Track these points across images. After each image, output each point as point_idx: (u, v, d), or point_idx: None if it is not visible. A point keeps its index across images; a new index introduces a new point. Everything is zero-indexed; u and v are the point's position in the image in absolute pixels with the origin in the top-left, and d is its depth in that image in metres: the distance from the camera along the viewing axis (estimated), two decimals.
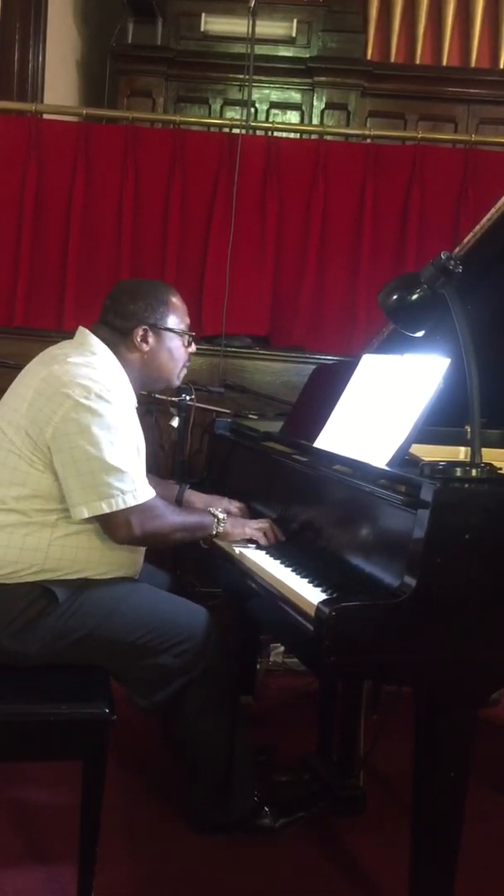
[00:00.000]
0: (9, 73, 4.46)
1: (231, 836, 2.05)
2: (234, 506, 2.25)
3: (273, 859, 2.03)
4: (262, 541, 2.08)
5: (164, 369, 2.10)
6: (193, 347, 2.17)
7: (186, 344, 2.14)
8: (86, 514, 1.85)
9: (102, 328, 2.06)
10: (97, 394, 1.86)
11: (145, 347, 2.05)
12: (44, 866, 1.94)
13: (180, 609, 1.98)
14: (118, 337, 2.04)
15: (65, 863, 1.91)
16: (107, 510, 1.85)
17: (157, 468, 3.32)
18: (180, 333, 2.10)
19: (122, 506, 1.85)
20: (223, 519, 2.08)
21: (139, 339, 2.04)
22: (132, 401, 2.05)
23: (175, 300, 2.11)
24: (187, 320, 2.14)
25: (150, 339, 2.05)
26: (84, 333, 2.05)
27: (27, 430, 1.88)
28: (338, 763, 2.29)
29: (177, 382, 2.17)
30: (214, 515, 2.08)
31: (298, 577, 1.77)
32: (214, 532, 2.07)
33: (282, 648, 3.11)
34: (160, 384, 2.16)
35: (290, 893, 1.93)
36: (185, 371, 2.17)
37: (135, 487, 1.88)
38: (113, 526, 1.89)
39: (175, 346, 2.10)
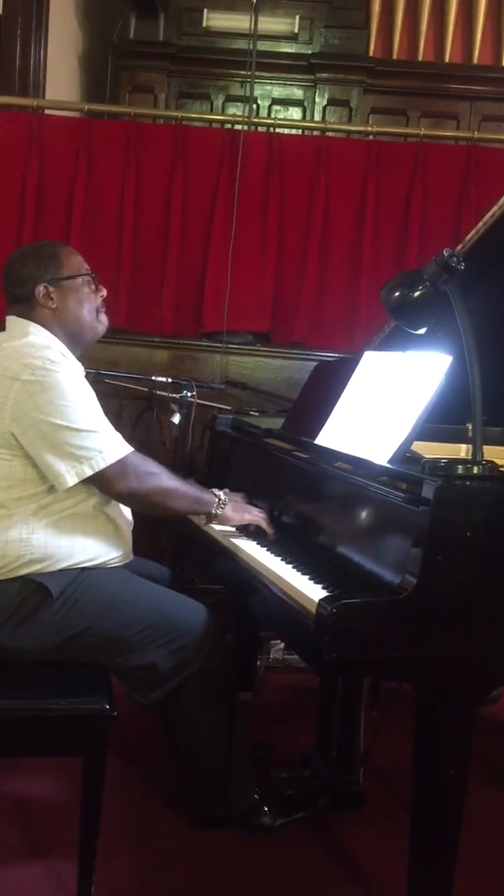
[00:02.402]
0: (10, 68, 4.45)
1: (231, 832, 2.05)
2: (237, 497, 2.25)
3: (272, 855, 2.03)
4: (264, 525, 2.09)
5: (80, 320, 2.06)
6: (103, 291, 2.12)
7: (93, 288, 2.09)
8: (72, 481, 1.85)
9: (13, 305, 2.05)
10: (41, 367, 1.85)
11: (52, 304, 2.02)
12: (44, 862, 1.94)
13: (178, 605, 1.97)
14: (25, 305, 2.02)
15: (64, 858, 1.91)
16: (90, 472, 1.85)
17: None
18: (79, 277, 2.05)
19: (103, 464, 1.86)
20: (224, 500, 2.08)
21: (43, 298, 2.01)
22: (79, 369, 2.04)
23: (64, 252, 2.07)
24: (86, 266, 2.09)
25: (54, 295, 2.02)
26: (12, 321, 2.04)
27: None
28: (337, 760, 2.29)
29: (101, 328, 2.11)
30: (216, 495, 2.08)
31: (299, 573, 1.77)
32: (214, 511, 2.07)
33: (282, 645, 3.12)
34: (87, 335, 2.09)
35: (290, 889, 1.93)
36: (104, 315, 2.12)
37: (110, 444, 1.88)
38: (107, 482, 1.89)
39: (83, 294, 2.06)
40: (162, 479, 1.98)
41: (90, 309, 2.08)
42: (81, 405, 1.88)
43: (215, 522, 2.11)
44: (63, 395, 1.85)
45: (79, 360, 2.08)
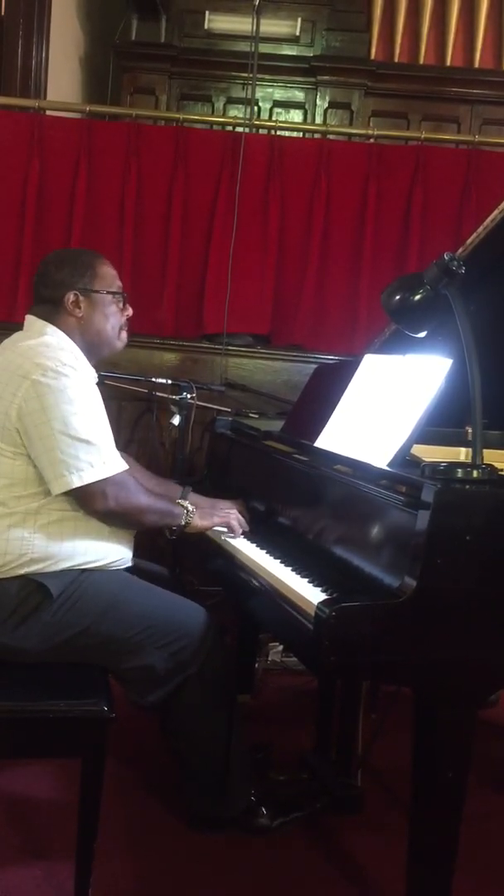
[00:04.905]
0: (12, 69, 4.45)
1: (229, 834, 2.05)
2: (228, 504, 2.26)
3: (271, 857, 2.03)
4: (234, 525, 2.13)
5: (103, 333, 2.07)
6: (130, 310, 2.14)
7: (121, 306, 2.11)
8: (59, 490, 1.85)
9: (38, 305, 2.06)
10: (53, 369, 1.86)
11: (79, 313, 2.03)
12: (41, 863, 1.94)
13: (178, 607, 1.98)
14: (52, 307, 2.03)
15: (62, 859, 1.90)
16: (78, 483, 1.85)
17: (158, 466, 3.32)
18: (112, 294, 2.08)
19: (93, 478, 1.86)
20: (192, 511, 2.09)
21: (71, 305, 2.02)
22: (92, 375, 2.04)
23: (101, 264, 2.09)
24: (118, 283, 2.11)
25: (83, 304, 2.03)
26: (31, 320, 2.05)
27: None
28: (336, 762, 2.29)
29: (119, 345, 2.13)
30: (184, 507, 2.09)
31: (298, 576, 1.77)
32: (183, 522, 2.07)
33: (280, 647, 3.12)
34: (104, 349, 2.11)
35: (288, 890, 1.93)
36: (125, 333, 2.14)
37: (104, 459, 1.88)
38: (88, 498, 1.89)
39: (110, 310, 2.08)
40: (140, 498, 1.98)
41: (114, 325, 2.09)
42: (84, 413, 1.88)
43: (188, 530, 2.10)
44: (69, 400, 1.85)
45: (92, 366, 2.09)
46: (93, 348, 2.07)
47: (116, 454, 1.94)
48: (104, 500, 1.90)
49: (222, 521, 2.14)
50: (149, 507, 2.02)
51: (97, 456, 1.87)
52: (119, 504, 1.92)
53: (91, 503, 1.90)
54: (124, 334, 2.14)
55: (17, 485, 1.89)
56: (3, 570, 1.87)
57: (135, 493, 1.97)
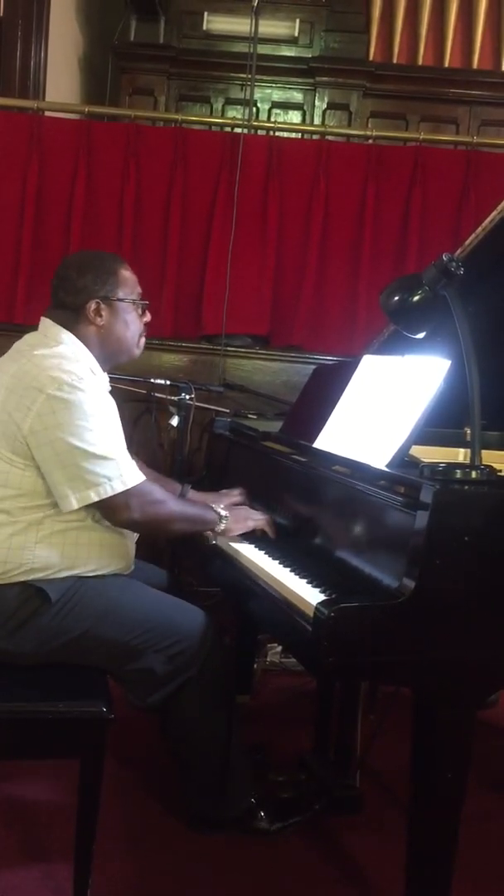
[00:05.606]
0: (11, 69, 4.46)
1: (228, 835, 2.05)
2: (235, 493, 2.27)
3: (270, 858, 2.03)
4: (268, 530, 2.11)
5: (123, 341, 2.06)
6: (148, 316, 2.13)
7: (140, 313, 2.11)
8: (76, 505, 1.84)
9: (56, 309, 2.03)
10: (68, 383, 1.84)
11: (100, 321, 2.02)
12: (40, 864, 1.94)
13: (176, 610, 1.98)
14: (72, 314, 2.01)
15: (61, 861, 1.90)
16: (95, 498, 1.84)
17: (157, 467, 3.32)
18: (133, 303, 2.07)
19: (110, 492, 1.85)
20: (225, 516, 2.08)
21: (92, 314, 2.00)
22: (105, 384, 2.04)
23: (124, 271, 2.07)
24: (139, 289, 2.10)
25: (104, 313, 2.02)
26: (46, 324, 2.03)
27: (3, 431, 1.87)
28: (335, 762, 2.29)
29: (137, 353, 2.12)
30: (217, 512, 2.08)
31: (297, 577, 1.77)
32: (217, 529, 2.07)
33: (279, 648, 3.12)
34: (122, 357, 2.10)
35: (288, 891, 1.93)
36: (143, 340, 2.13)
37: (121, 473, 1.87)
38: (111, 510, 1.89)
39: (130, 317, 2.07)
40: (166, 506, 1.97)
41: (134, 333, 2.08)
42: (100, 428, 1.87)
43: (223, 536, 2.10)
44: (84, 416, 1.84)
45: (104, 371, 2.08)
46: (111, 356, 2.07)
47: (133, 466, 1.93)
48: (128, 512, 1.89)
49: (256, 524, 2.13)
50: (180, 515, 2.02)
51: (115, 470, 1.86)
52: (144, 514, 1.91)
53: (115, 515, 1.90)
54: (142, 341, 2.13)
55: (24, 496, 1.88)
56: (3, 578, 1.87)
57: (161, 501, 1.96)
